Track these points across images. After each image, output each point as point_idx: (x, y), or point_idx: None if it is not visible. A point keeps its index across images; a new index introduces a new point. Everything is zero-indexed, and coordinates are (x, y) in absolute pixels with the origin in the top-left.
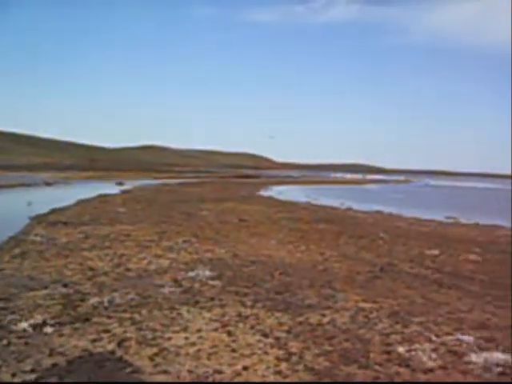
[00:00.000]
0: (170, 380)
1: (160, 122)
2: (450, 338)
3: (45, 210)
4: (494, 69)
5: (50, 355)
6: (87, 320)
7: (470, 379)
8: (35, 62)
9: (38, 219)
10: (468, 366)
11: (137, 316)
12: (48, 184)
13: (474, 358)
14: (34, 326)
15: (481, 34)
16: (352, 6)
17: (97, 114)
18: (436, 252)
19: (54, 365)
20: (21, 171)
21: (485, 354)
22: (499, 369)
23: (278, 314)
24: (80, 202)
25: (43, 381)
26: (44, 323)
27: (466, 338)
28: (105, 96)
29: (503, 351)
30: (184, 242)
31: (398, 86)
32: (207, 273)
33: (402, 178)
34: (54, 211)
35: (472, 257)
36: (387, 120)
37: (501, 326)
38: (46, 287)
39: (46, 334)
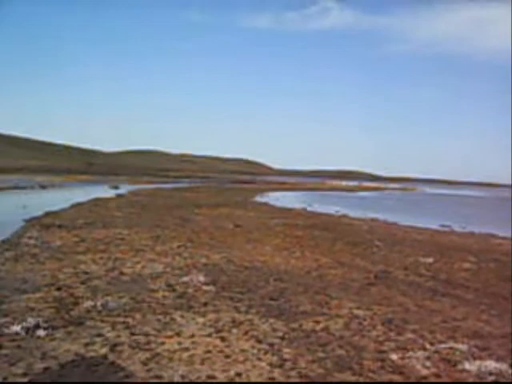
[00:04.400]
0: None
1: (158, 128)
2: (443, 345)
3: (39, 212)
4: (493, 78)
5: (42, 359)
6: (80, 324)
7: None
8: (34, 64)
9: (33, 222)
10: (461, 375)
11: (130, 320)
12: (43, 187)
13: (467, 366)
14: (27, 329)
15: (480, 42)
16: (347, 15)
17: (95, 117)
18: (431, 260)
19: (46, 368)
20: (16, 174)
21: (478, 363)
22: (492, 377)
23: (272, 320)
24: (75, 206)
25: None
26: (37, 326)
27: (459, 346)
28: (104, 100)
29: (497, 360)
30: (178, 246)
31: (395, 94)
32: (201, 278)
33: (398, 185)
34: (48, 214)
35: (466, 265)
36: (384, 128)
37: (495, 334)
38: (39, 290)
39: (38, 337)
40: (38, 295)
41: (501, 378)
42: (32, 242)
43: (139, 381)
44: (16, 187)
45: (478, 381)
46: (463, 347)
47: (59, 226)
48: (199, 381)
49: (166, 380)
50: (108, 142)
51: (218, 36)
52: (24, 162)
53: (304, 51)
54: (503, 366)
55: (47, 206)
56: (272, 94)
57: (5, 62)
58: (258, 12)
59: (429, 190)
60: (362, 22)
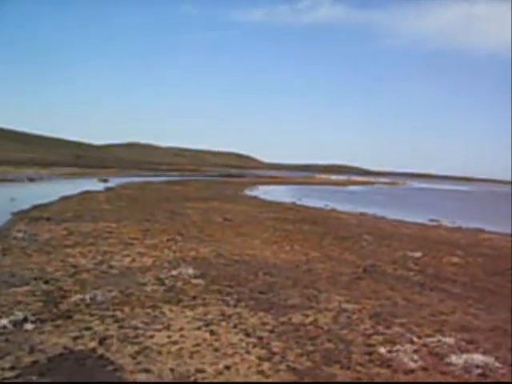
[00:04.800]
0: (152, 379)
1: (148, 121)
2: (431, 339)
3: (27, 205)
4: (483, 74)
5: (31, 352)
6: (69, 317)
7: (450, 380)
8: (22, 58)
9: (21, 215)
10: (448, 368)
11: (119, 314)
12: (31, 180)
13: (454, 359)
14: (15, 323)
15: (471, 38)
16: (337, 9)
17: (84, 110)
18: (419, 254)
19: (35, 362)
20: (3, 166)
21: (465, 356)
22: (479, 370)
23: (261, 314)
24: (63, 199)
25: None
26: (25, 320)
27: (447, 339)
28: (92, 92)
29: (483, 353)
30: (168, 240)
31: (386, 89)
32: (191, 271)
33: (387, 180)
34: (36, 207)
35: (454, 259)
36: (374, 122)
37: (482, 328)
38: (27, 284)
39: (26, 330)
40: (25, 288)
41: (487, 370)
42: (20, 235)
43: (128, 374)
44: (4, 180)
45: (464, 374)
46: (450, 341)
47: (48, 219)
48: (188, 374)
49: (155, 373)
50: (97, 135)
51: (212, 30)
52: (11, 154)
53: (296, 45)
54: (489, 359)
55: (35, 199)
56: (263, 88)
57: None
58: (252, 6)
59: (418, 184)
60: (351, 17)
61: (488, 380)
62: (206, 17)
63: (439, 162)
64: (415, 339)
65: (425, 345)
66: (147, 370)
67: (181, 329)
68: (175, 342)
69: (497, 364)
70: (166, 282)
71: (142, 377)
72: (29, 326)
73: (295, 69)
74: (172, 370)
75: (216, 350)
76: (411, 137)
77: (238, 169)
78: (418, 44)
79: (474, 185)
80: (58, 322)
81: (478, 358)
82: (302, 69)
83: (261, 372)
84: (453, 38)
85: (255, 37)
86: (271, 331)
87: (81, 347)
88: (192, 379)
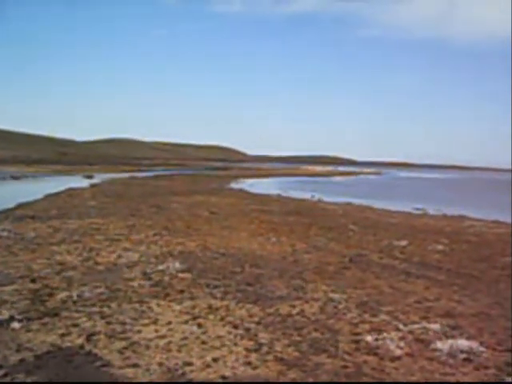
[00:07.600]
0: (139, 372)
1: (130, 115)
2: (417, 326)
3: (12, 204)
4: (465, 63)
5: (18, 351)
6: (56, 315)
7: (435, 365)
8: (3, 56)
9: (5, 214)
10: (434, 353)
11: (106, 310)
12: (15, 178)
13: (439, 345)
14: (1, 322)
15: (453, 27)
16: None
17: (65, 106)
18: (404, 243)
19: (22, 360)
20: None
21: (450, 341)
22: (464, 355)
23: (248, 306)
24: (48, 196)
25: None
26: (11, 319)
27: (432, 325)
28: (72, 88)
29: (468, 338)
30: (154, 235)
31: (370, 79)
32: (177, 265)
33: (373, 170)
34: (21, 205)
35: (439, 247)
36: (358, 112)
37: (466, 313)
38: (13, 282)
39: (13, 329)
40: (12, 287)
41: (471, 355)
42: (5, 233)
43: (116, 369)
44: None
45: (449, 359)
46: (436, 327)
47: (32, 217)
48: (176, 367)
49: (142, 367)
50: (80, 131)
51: (191, 21)
52: None
53: (275, 36)
54: (474, 344)
55: (20, 198)
56: (244, 80)
57: None
58: None
59: (403, 173)
60: (331, 7)
61: (472, 364)
62: (186, 7)
63: (424, 152)
64: (401, 326)
65: (411, 332)
66: (135, 365)
67: (168, 323)
68: (163, 336)
69: (481, 348)
70: (153, 276)
71: (130, 371)
72: (15, 325)
73: (277, 60)
74: (160, 363)
75: (204, 342)
76: (396, 126)
77: (222, 162)
78: (398, 32)
79: (457, 172)
80: (45, 320)
81: (463, 343)
82: (284, 60)
83: (248, 363)
84: (434, 26)
85: (236, 27)
86: (258, 323)
87: (68, 344)
88: (180, 372)
